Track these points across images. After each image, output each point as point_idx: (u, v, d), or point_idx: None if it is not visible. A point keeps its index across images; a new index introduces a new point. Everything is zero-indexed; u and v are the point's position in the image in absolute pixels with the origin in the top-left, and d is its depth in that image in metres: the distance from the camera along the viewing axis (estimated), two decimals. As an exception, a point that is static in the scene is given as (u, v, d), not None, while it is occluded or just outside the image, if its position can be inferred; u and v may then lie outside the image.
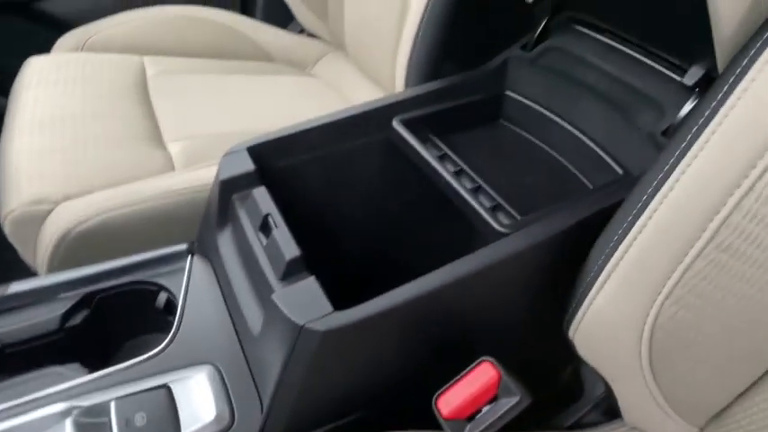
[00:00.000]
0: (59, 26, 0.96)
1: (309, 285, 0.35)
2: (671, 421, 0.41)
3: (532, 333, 0.46)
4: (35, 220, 0.55)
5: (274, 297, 0.34)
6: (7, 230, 0.56)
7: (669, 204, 0.34)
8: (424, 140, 0.50)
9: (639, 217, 0.35)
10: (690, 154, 0.32)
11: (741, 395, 0.37)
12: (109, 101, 0.75)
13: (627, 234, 0.36)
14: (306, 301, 0.34)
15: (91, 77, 0.80)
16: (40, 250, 0.55)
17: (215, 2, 0.99)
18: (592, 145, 0.48)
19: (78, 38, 0.90)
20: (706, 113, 0.32)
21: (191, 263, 0.50)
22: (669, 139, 0.39)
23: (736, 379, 0.36)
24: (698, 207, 0.32)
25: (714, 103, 0.32)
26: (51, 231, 0.54)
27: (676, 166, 0.33)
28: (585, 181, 0.50)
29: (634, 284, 0.36)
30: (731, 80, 0.31)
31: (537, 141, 0.54)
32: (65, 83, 0.78)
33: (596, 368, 0.41)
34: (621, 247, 0.36)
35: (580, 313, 0.39)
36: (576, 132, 0.50)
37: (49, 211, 0.56)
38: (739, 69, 0.31)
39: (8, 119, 0.71)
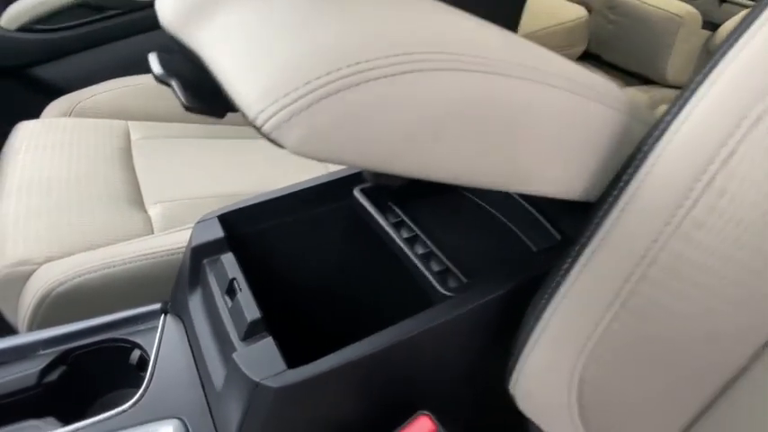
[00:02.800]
0: (50, 92, 1.02)
1: (267, 345, 0.39)
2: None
3: (480, 390, 0.49)
4: (18, 280, 0.58)
5: (235, 356, 0.38)
6: (-9, 290, 0.59)
7: (589, 271, 0.38)
8: (383, 209, 0.55)
9: (563, 282, 0.39)
10: (606, 223, 0.37)
11: None
12: (94, 165, 0.79)
13: (553, 297, 0.40)
14: (263, 360, 0.37)
15: (77, 142, 0.85)
16: (21, 309, 0.58)
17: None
18: (533, 211, 0.53)
19: (68, 103, 0.95)
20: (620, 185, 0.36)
21: (163, 322, 0.53)
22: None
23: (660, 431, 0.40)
24: (611, 275, 0.37)
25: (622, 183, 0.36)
26: (32, 291, 0.57)
27: (596, 234, 0.38)
28: (530, 244, 0.54)
29: (560, 343, 0.40)
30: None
31: (488, 207, 0.59)
32: (52, 147, 0.82)
33: (535, 422, 0.44)
34: (549, 308, 0.40)
35: (518, 368, 0.43)
36: (520, 199, 0.55)
37: (32, 272, 0.59)
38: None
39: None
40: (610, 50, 1.29)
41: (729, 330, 0.36)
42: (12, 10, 1.00)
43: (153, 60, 0.33)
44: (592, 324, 0.37)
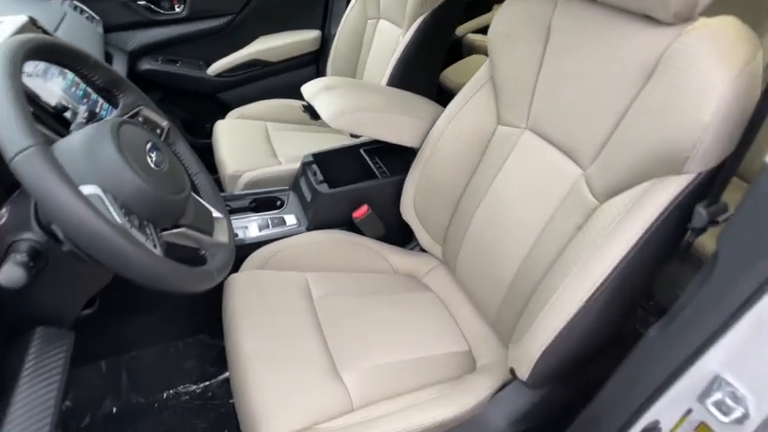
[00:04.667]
0: (228, 106, 2.05)
1: (325, 186, 1.34)
2: (431, 242, 1.35)
3: (392, 207, 1.39)
4: (236, 178, 1.58)
5: (316, 187, 1.33)
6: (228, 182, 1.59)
7: (418, 161, 1.30)
8: (370, 154, 1.49)
9: (411, 166, 1.31)
10: (420, 149, 1.29)
11: (449, 225, 1.31)
12: (256, 140, 1.79)
13: (410, 169, 1.31)
14: (322, 186, 1.33)
15: (244, 130, 1.85)
16: (237, 188, 1.57)
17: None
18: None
19: (238, 112, 1.97)
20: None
21: (288, 193, 1.50)
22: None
23: (442, 218, 1.30)
24: (420, 163, 1.29)
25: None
26: (242, 181, 1.56)
27: (419, 149, 1.30)
28: (422, 171, 1.47)
29: (408, 187, 1.30)
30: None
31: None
32: (238, 133, 1.83)
33: (406, 221, 1.36)
34: (408, 175, 1.31)
35: (401, 199, 1.34)
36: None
37: (240, 175, 1.58)
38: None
39: (218, 160, 1.76)
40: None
41: (455, 180, 1.26)
42: (213, 66, 2.05)
43: (304, 109, 1.29)
44: (416, 176, 1.28)
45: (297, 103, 2.00)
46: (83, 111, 0.88)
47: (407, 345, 1.10)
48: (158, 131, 0.91)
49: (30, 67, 1.09)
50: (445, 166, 1.24)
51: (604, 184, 0.87)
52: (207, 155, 1.81)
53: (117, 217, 0.64)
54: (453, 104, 1.23)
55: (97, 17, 1.81)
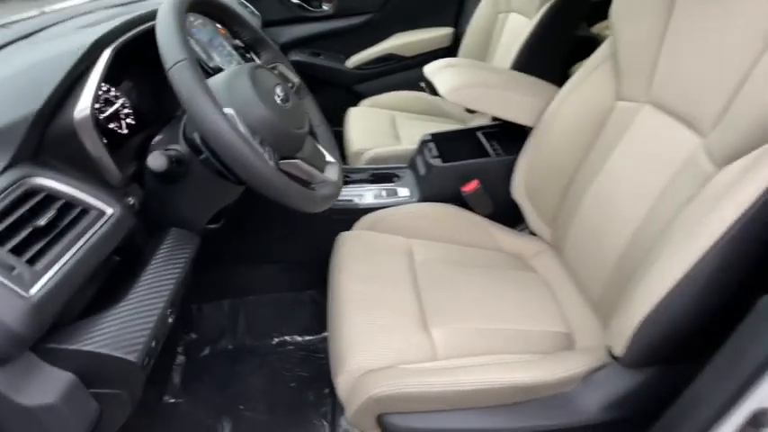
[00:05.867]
0: (361, 95, 2.19)
1: (438, 159, 1.39)
2: (541, 223, 1.33)
3: (501, 183, 1.40)
4: (358, 158, 1.69)
5: (431, 162, 1.39)
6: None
7: (530, 142, 1.30)
8: (488, 137, 1.51)
9: (521, 149, 1.31)
10: (533, 130, 1.29)
11: (560, 205, 1.29)
12: (384, 125, 1.89)
13: (519, 154, 1.32)
14: (431, 162, 1.38)
15: (376, 116, 1.97)
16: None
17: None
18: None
19: (370, 101, 2.10)
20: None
21: (405, 171, 1.57)
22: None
23: (553, 198, 1.28)
24: (534, 141, 1.29)
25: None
26: (362, 160, 1.67)
27: (533, 130, 1.30)
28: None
29: (519, 168, 1.31)
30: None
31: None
32: (369, 117, 1.95)
33: (517, 200, 1.35)
34: (518, 160, 1.32)
35: (512, 180, 1.34)
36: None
37: (365, 154, 1.69)
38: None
39: (346, 139, 1.89)
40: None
41: (569, 159, 1.24)
42: (352, 59, 2.21)
43: (425, 85, 1.36)
44: (528, 155, 1.28)
45: (426, 96, 2.08)
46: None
47: (503, 316, 1.10)
48: (290, 85, 1.02)
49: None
50: (559, 145, 1.24)
51: (725, 148, 0.83)
52: (338, 142, 1.95)
53: (244, 131, 0.75)
54: (569, 84, 1.22)
55: (257, 13, 2.04)
